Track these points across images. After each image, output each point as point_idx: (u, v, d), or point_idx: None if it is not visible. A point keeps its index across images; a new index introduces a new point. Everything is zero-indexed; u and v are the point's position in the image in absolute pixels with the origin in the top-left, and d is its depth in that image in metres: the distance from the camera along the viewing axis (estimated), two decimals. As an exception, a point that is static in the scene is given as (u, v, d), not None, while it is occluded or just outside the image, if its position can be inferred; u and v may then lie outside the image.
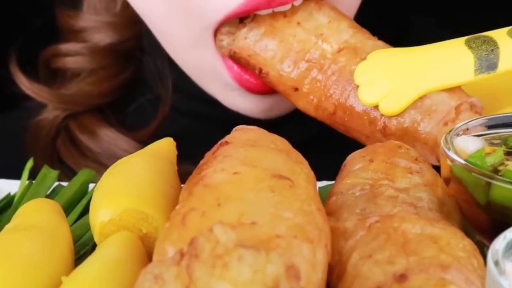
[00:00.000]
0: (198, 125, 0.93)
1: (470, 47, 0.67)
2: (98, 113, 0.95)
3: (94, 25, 0.96)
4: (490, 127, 0.62)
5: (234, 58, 0.77)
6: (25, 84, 0.95)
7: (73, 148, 0.94)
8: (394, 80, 0.68)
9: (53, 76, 0.98)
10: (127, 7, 0.89)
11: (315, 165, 0.57)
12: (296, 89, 0.73)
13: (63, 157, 0.94)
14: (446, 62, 0.68)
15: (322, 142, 0.90)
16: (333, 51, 0.73)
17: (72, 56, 0.96)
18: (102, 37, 0.96)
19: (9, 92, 0.96)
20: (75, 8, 0.98)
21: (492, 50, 0.67)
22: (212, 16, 0.76)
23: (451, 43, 0.70)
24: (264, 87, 0.78)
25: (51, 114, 0.95)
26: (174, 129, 0.91)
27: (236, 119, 0.79)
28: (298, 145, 0.57)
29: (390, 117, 0.69)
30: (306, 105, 0.73)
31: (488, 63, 0.67)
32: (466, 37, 0.69)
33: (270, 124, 0.64)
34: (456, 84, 0.68)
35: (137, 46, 0.96)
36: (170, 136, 0.67)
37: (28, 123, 0.96)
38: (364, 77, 0.69)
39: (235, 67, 0.78)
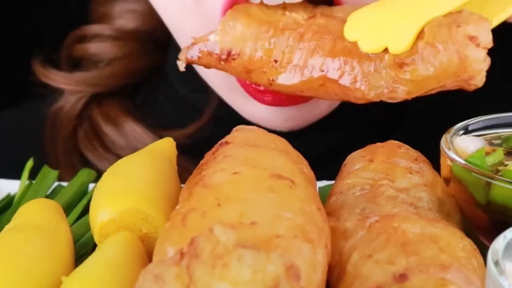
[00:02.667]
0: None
1: None
2: (122, 104, 0.93)
3: (120, 10, 0.94)
4: (490, 127, 0.62)
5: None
6: (39, 70, 0.93)
7: (96, 140, 0.92)
8: (391, 21, 0.64)
9: (74, 66, 0.96)
10: None
11: (315, 165, 0.57)
12: (276, 61, 0.67)
13: (82, 149, 0.92)
14: None
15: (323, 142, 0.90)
16: (303, 18, 0.69)
17: (95, 40, 0.94)
18: (127, 21, 0.94)
19: (13, 88, 0.95)
20: None
21: None
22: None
23: None
24: (277, 100, 0.73)
25: (68, 101, 0.93)
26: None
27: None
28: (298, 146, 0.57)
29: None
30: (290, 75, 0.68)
31: None
32: None
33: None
34: (448, 11, 0.63)
35: (163, 36, 0.93)
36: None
37: (41, 116, 0.94)
38: (357, 31, 0.65)
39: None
